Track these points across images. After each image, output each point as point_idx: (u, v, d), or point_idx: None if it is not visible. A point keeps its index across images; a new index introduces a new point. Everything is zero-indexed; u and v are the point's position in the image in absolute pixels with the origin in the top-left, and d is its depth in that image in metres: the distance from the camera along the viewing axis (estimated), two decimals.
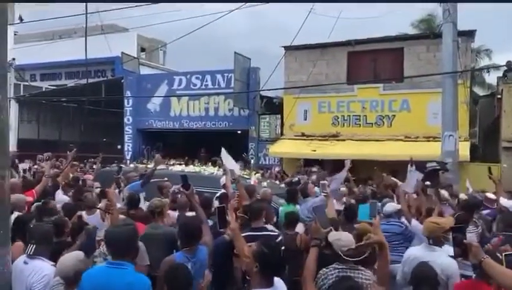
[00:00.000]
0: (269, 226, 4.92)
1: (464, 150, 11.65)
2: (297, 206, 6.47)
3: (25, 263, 3.34)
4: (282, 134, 16.20)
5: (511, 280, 2.74)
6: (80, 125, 20.77)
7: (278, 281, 2.89)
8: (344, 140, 14.82)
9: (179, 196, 6.15)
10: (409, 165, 6.71)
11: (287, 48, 15.54)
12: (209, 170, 9.17)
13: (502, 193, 6.52)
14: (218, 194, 6.35)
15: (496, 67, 19.54)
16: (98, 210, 5.31)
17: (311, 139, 15.17)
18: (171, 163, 10.22)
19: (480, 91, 22.59)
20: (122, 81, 19.21)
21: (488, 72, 22.26)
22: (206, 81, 17.87)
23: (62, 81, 26.66)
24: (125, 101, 19.19)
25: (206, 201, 5.50)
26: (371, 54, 14.98)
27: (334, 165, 10.53)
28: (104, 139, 20.93)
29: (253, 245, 2.91)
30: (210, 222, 4.50)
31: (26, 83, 24.37)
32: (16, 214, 4.53)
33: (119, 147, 19.67)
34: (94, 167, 12.70)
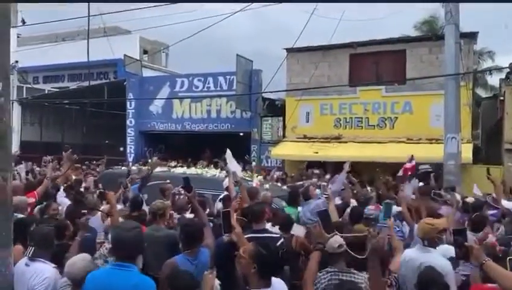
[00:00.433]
0: (271, 228, 4.90)
1: (467, 152, 11.63)
2: (299, 209, 6.46)
3: (27, 265, 3.34)
4: (284, 136, 16.20)
5: None
6: (83, 128, 20.85)
7: (277, 281, 2.86)
8: (346, 142, 14.80)
9: (178, 197, 6.14)
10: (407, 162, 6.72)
11: (289, 50, 15.55)
12: (211, 172, 9.16)
13: (502, 195, 6.50)
14: (221, 196, 6.35)
15: (499, 69, 19.50)
16: (99, 212, 5.31)
17: (313, 141, 15.16)
18: (173, 165, 10.21)
19: (482, 93, 22.56)
20: (125, 83, 19.24)
21: (491, 74, 22.23)
22: (208, 83, 17.90)
23: (65, 83, 26.76)
24: (128, 103, 19.22)
25: (201, 203, 5.49)
26: (373, 56, 14.97)
27: (336, 168, 10.49)
28: (107, 142, 20.96)
29: (248, 246, 2.89)
30: None
31: (29, 86, 24.45)
32: (16, 216, 4.54)
33: (121, 149, 19.69)
34: (97, 169, 12.75)
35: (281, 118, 16.49)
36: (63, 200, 6.67)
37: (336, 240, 3.29)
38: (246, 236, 4.19)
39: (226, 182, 6.73)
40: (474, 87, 15.55)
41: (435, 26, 21.72)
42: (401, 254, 4.04)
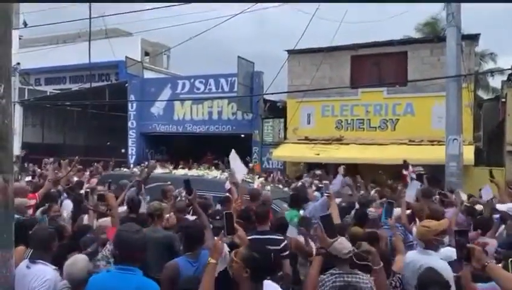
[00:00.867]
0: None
1: (468, 153, 11.61)
2: (301, 211, 6.45)
3: (28, 267, 3.34)
4: (285, 138, 16.19)
5: None
6: (84, 129, 20.87)
7: (269, 284, 2.81)
8: (348, 144, 14.79)
9: (180, 198, 6.13)
10: (403, 170, 6.72)
11: (290, 52, 15.56)
12: (212, 173, 9.15)
13: (505, 197, 6.48)
14: (221, 198, 6.35)
15: (500, 71, 19.49)
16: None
17: (315, 143, 15.15)
18: (171, 168, 10.21)
19: (484, 95, 22.54)
20: (126, 85, 19.27)
21: (493, 75, 22.20)
22: (210, 85, 17.90)
23: (67, 85, 26.78)
24: (129, 105, 19.24)
25: (204, 205, 5.48)
26: (374, 57, 14.97)
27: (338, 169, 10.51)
28: (108, 143, 20.98)
29: (241, 249, 2.86)
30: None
31: (31, 87, 24.48)
32: (18, 218, 4.53)
33: (123, 151, 19.71)
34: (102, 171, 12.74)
35: (282, 120, 16.50)
36: (66, 203, 6.67)
37: (345, 247, 3.27)
38: (248, 238, 4.19)
39: (227, 184, 6.73)
40: (475, 89, 15.55)
41: (437, 28, 21.72)
42: (402, 254, 4.03)
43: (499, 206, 5.95)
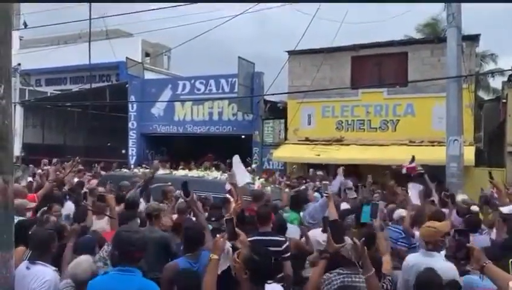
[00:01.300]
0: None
1: (469, 154, 11.59)
2: (301, 214, 6.44)
3: (27, 268, 3.34)
4: (286, 139, 16.19)
5: None
6: (85, 130, 20.88)
7: (271, 288, 2.80)
8: (348, 145, 14.78)
9: (180, 200, 6.14)
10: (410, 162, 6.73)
11: (290, 53, 15.56)
12: (212, 174, 9.15)
13: (504, 198, 6.46)
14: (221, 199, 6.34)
15: (501, 71, 19.48)
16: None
17: (315, 144, 15.14)
18: (173, 167, 10.22)
19: (485, 95, 22.53)
20: (127, 85, 19.28)
21: (493, 76, 22.19)
22: (210, 85, 17.90)
23: (67, 86, 26.78)
24: (130, 105, 19.24)
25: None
26: (375, 58, 14.96)
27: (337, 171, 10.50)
28: (109, 144, 20.99)
29: (243, 250, 2.86)
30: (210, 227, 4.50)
31: (32, 88, 24.50)
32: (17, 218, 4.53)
33: (123, 151, 19.71)
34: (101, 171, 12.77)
35: (282, 121, 16.49)
36: (67, 204, 6.66)
37: None
38: (250, 239, 4.18)
39: (227, 185, 6.72)
40: (476, 89, 15.53)
41: (437, 28, 21.72)
42: (388, 255, 3.99)
43: (503, 209, 5.92)
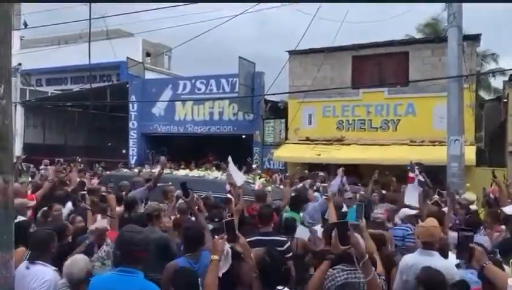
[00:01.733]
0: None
1: (470, 154, 11.58)
2: (301, 214, 6.45)
3: (27, 268, 3.34)
4: (286, 138, 16.18)
5: None
6: (85, 130, 20.90)
7: None
8: (349, 144, 14.77)
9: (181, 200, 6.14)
10: (410, 172, 6.72)
11: (291, 52, 15.56)
12: (213, 174, 9.15)
13: (504, 198, 6.45)
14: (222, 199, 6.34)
15: (502, 71, 19.46)
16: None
17: (316, 144, 15.14)
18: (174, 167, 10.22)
19: (486, 95, 22.49)
20: (127, 85, 19.29)
21: (494, 76, 22.17)
22: (211, 85, 17.91)
23: (68, 86, 26.80)
24: (130, 105, 19.26)
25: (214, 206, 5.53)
26: (375, 58, 14.95)
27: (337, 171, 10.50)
28: (109, 144, 20.99)
29: (258, 249, 2.88)
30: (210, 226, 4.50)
31: (32, 88, 24.50)
32: (19, 218, 4.53)
33: (123, 151, 19.72)
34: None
35: (283, 120, 16.49)
36: (68, 204, 6.66)
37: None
38: (252, 239, 4.18)
39: (227, 185, 6.73)
40: (477, 89, 15.51)
41: (438, 28, 21.69)
42: (378, 256, 3.97)
43: (505, 209, 5.91)
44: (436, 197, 7.14)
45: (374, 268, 3.07)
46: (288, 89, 15.74)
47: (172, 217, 5.56)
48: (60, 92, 24.18)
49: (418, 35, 21.34)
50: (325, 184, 6.59)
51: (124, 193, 6.89)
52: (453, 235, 4.40)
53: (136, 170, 10.08)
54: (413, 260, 3.81)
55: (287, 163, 15.64)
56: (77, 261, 3.28)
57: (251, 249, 3.21)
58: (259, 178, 9.55)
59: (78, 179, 9.37)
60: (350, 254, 3.16)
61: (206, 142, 18.53)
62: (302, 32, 11.99)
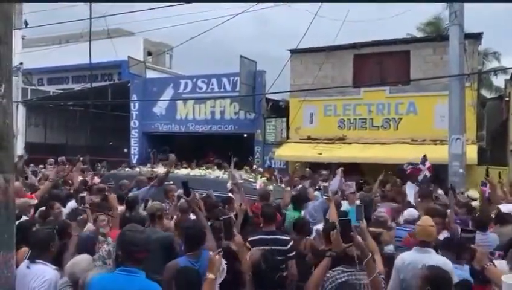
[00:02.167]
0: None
1: (472, 153, 11.56)
2: (302, 212, 6.45)
3: (28, 267, 3.34)
4: (288, 137, 16.17)
5: None
6: (87, 129, 20.89)
7: None
8: (350, 143, 14.75)
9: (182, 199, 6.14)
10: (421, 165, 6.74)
11: (292, 51, 15.53)
12: (214, 173, 9.14)
13: (497, 197, 6.46)
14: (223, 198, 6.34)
15: (504, 70, 19.41)
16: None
17: (317, 143, 15.12)
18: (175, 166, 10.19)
19: (487, 94, 22.46)
20: (129, 84, 19.29)
21: (496, 74, 22.13)
22: (212, 84, 17.91)
23: (69, 85, 26.83)
24: (132, 104, 19.27)
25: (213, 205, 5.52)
26: (377, 56, 14.92)
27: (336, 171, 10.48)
28: (111, 143, 21.01)
29: (255, 252, 2.86)
30: None
31: (34, 87, 24.49)
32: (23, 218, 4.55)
33: (125, 150, 19.74)
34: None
35: (284, 119, 16.47)
36: (69, 204, 6.66)
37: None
38: (255, 237, 4.18)
39: (229, 185, 6.74)
40: (479, 88, 15.50)
41: (439, 27, 21.64)
42: (379, 255, 3.98)
43: (502, 207, 5.91)
44: (440, 192, 7.13)
45: (377, 269, 3.06)
46: (290, 87, 15.71)
47: (174, 217, 5.57)
48: (61, 92, 24.19)
49: (420, 34, 21.32)
50: (326, 184, 6.58)
51: (124, 191, 6.89)
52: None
53: (137, 169, 10.08)
54: (410, 258, 3.81)
55: (288, 162, 15.63)
56: (80, 261, 3.29)
57: (251, 250, 3.21)
58: (261, 177, 9.54)
59: (80, 178, 9.41)
60: (350, 255, 3.16)
61: (207, 141, 18.54)
62: (303, 31, 11.95)
